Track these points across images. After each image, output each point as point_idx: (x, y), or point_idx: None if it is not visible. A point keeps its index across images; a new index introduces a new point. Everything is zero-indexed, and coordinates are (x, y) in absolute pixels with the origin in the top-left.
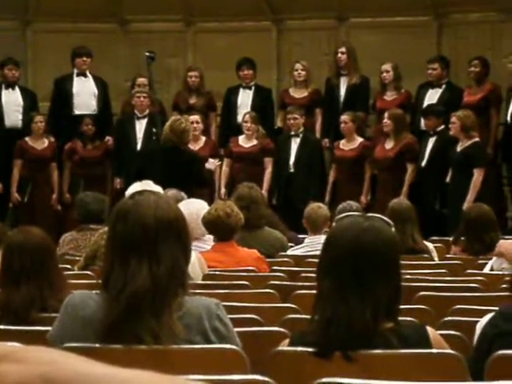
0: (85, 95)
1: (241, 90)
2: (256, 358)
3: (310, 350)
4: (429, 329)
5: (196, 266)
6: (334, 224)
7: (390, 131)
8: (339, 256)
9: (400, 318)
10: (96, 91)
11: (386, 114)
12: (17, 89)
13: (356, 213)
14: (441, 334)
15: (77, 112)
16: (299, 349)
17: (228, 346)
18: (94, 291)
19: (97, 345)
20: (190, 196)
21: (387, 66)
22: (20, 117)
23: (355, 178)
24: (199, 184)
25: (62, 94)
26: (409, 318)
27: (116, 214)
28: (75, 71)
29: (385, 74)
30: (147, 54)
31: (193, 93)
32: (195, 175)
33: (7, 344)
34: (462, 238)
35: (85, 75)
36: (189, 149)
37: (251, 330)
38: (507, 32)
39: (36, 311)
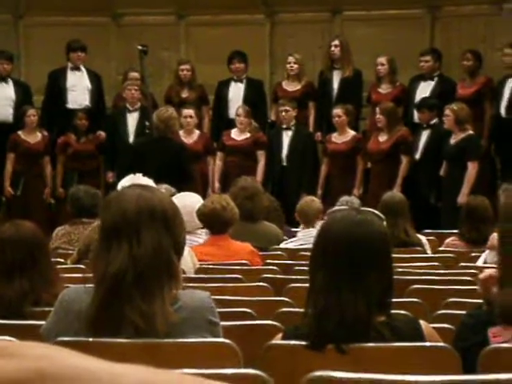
0: (79, 89)
1: (232, 84)
2: (249, 352)
3: (303, 343)
4: (421, 322)
5: (188, 260)
6: (326, 217)
7: (383, 126)
8: (332, 249)
9: (393, 311)
10: (90, 85)
11: (378, 109)
12: (10, 82)
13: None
14: (434, 328)
15: (70, 106)
16: (292, 342)
17: (221, 339)
18: (87, 285)
19: (90, 339)
20: (180, 190)
21: (382, 59)
22: (11, 111)
23: (348, 171)
24: (186, 177)
25: (56, 87)
26: (402, 311)
27: (102, 205)
28: (69, 65)
29: (380, 67)
30: (140, 47)
31: (185, 86)
32: (182, 166)
33: (0, 338)
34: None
35: (79, 69)
36: (176, 138)
37: (244, 323)
38: (500, 25)
39: (29, 305)
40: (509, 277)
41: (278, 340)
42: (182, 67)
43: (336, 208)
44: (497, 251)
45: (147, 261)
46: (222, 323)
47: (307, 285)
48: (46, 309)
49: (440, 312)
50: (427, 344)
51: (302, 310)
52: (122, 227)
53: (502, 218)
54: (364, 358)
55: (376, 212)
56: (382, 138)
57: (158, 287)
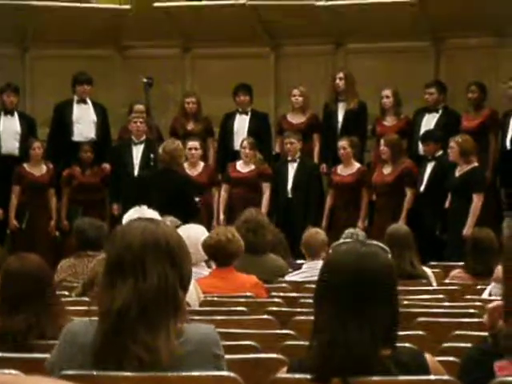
0: (84, 122)
1: (237, 116)
2: None
3: (308, 376)
4: (427, 355)
5: (192, 292)
6: (330, 250)
7: (387, 158)
8: (337, 282)
9: (398, 345)
10: (95, 118)
11: (382, 141)
12: (15, 115)
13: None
14: (439, 361)
15: (76, 138)
16: (297, 376)
17: (226, 372)
18: (92, 318)
19: (94, 372)
20: (185, 222)
21: (387, 92)
22: (17, 144)
23: (353, 204)
24: (191, 210)
25: (62, 120)
26: (407, 345)
27: (108, 240)
28: (75, 98)
29: (385, 100)
30: (145, 79)
31: (190, 118)
32: (187, 199)
33: (6, 372)
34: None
35: (85, 102)
36: (182, 171)
37: (249, 356)
38: (504, 57)
39: (34, 338)
40: None
41: (282, 373)
42: (188, 100)
43: (341, 241)
44: (501, 284)
45: (152, 295)
46: (227, 356)
47: (312, 317)
48: (51, 342)
49: (445, 345)
50: (432, 377)
51: (307, 342)
52: (127, 261)
53: (506, 253)
54: None
55: (381, 245)
56: (387, 170)
57: (163, 321)
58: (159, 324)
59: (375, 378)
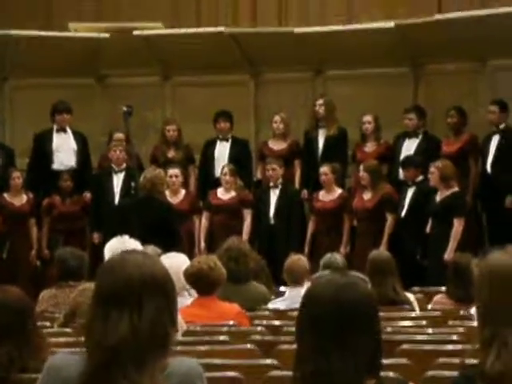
0: (64, 151)
1: (218, 143)
2: None
3: None
4: None
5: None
6: (310, 282)
7: (367, 184)
8: (317, 313)
9: (382, 374)
10: (75, 146)
11: (361, 167)
12: None
13: (339, 264)
14: None
15: (56, 167)
16: None
17: None
18: (76, 350)
19: None
20: (166, 251)
21: (368, 117)
22: None
23: (335, 229)
24: (173, 237)
25: (42, 149)
26: (391, 374)
27: (102, 269)
28: (55, 127)
29: (367, 125)
30: (125, 108)
31: (171, 146)
32: (169, 227)
33: None
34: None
35: (64, 131)
36: (162, 198)
37: None
38: (483, 81)
39: (16, 372)
40: None
41: None
42: (169, 127)
43: (320, 273)
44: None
45: (147, 335)
46: None
47: (295, 346)
48: (34, 375)
49: (430, 373)
50: None
51: (290, 373)
52: (125, 295)
53: (477, 291)
54: None
55: (360, 275)
56: (367, 195)
57: (152, 357)
58: (147, 361)
59: None
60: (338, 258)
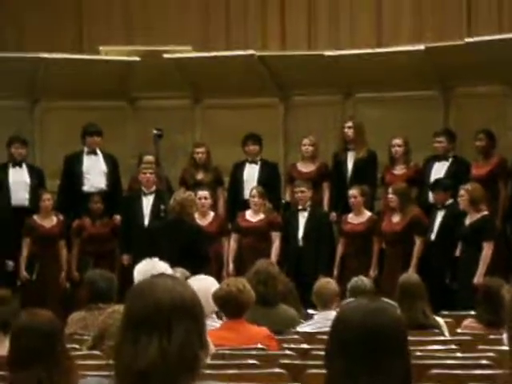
0: (95, 173)
1: (247, 165)
2: None
3: None
4: None
5: None
6: (339, 308)
7: (396, 206)
8: (347, 339)
9: None
10: (106, 168)
11: (390, 190)
12: (24, 167)
13: (366, 287)
14: None
15: (86, 189)
16: None
17: None
18: (105, 374)
19: None
20: (194, 273)
21: (398, 141)
22: (27, 196)
23: (364, 252)
24: (203, 259)
25: (72, 171)
26: None
27: (131, 293)
28: (85, 149)
29: (397, 148)
30: (155, 131)
31: (200, 168)
32: (199, 249)
33: None
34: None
35: (95, 153)
36: (192, 221)
37: None
38: None
39: None
40: None
41: None
42: (198, 150)
43: (349, 300)
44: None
45: (176, 357)
46: None
47: (324, 370)
48: None
49: None
50: None
51: None
52: (155, 319)
53: (509, 319)
54: None
55: (389, 301)
56: (395, 218)
57: (181, 382)
58: None
59: None
60: (365, 281)
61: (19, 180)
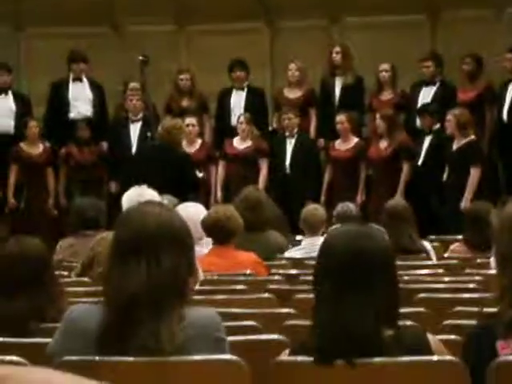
0: (81, 100)
1: (234, 92)
2: (255, 368)
3: (310, 359)
4: (429, 335)
5: None
6: (326, 234)
7: (383, 132)
8: (335, 263)
9: (400, 323)
10: (92, 96)
11: (378, 115)
12: (9, 94)
13: (353, 213)
14: (441, 340)
15: (72, 117)
16: (300, 358)
17: (228, 356)
18: (94, 302)
19: (97, 358)
20: (184, 200)
21: (386, 66)
22: (12, 123)
23: (351, 178)
24: (191, 186)
25: (58, 98)
26: (409, 322)
27: (119, 220)
28: (71, 76)
29: (384, 74)
30: (140, 57)
31: (185, 95)
32: (187, 175)
33: (7, 358)
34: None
35: (81, 80)
36: (180, 149)
37: (250, 338)
38: (501, 29)
39: (34, 322)
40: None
41: (285, 356)
42: (182, 76)
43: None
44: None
45: (164, 282)
46: (229, 338)
47: (312, 295)
48: (52, 325)
49: (446, 322)
50: (435, 358)
51: (308, 322)
52: (142, 245)
53: (496, 240)
54: (372, 373)
55: (377, 226)
56: (383, 144)
57: (169, 307)
58: (165, 310)
59: (378, 360)
60: (351, 207)
61: (4, 107)
